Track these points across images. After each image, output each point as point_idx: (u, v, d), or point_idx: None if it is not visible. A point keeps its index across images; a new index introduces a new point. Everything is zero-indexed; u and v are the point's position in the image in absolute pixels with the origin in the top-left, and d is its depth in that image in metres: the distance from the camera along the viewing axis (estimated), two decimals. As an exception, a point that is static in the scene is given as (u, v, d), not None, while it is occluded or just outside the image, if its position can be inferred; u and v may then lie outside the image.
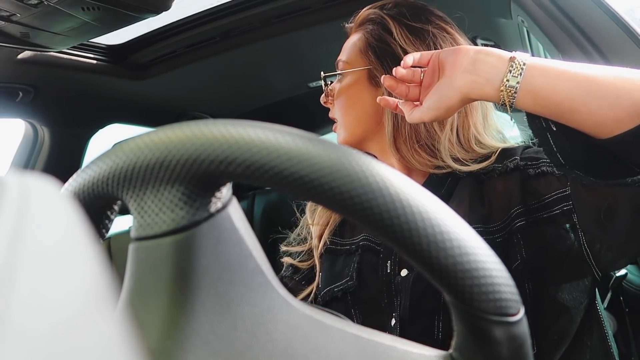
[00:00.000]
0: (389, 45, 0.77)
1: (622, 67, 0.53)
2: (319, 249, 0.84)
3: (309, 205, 0.93)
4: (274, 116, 1.79)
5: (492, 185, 0.72)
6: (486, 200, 0.72)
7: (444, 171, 0.76)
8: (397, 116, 0.77)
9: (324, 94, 0.86)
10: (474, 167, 0.74)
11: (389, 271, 0.73)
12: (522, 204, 0.68)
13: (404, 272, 0.72)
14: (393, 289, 0.72)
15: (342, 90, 0.82)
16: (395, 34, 0.77)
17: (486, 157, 0.75)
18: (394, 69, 0.63)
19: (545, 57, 1.73)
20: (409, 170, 0.80)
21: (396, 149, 0.78)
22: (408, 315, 0.69)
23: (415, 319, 0.69)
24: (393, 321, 0.70)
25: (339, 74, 0.83)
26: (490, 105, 0.80)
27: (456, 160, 0.75)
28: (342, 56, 0.83)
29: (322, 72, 0.86)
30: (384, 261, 0.74)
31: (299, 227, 0.93)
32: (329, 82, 0.87)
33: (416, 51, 0.73)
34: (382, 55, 0.78)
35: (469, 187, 0.74)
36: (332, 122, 0.86)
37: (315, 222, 0.87)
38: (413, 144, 0.76)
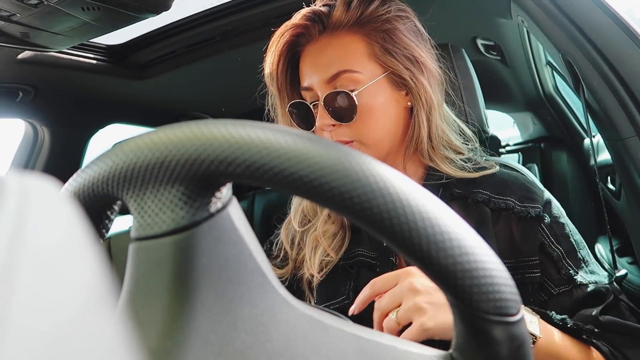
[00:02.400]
0: (398, 44, 0.73)
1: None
2: (308, 276, 0.79)
3: (284, 234, 0.86)
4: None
5: (506, 224, 0.73)
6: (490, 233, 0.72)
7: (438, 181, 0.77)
8: (431, 114, 0.74)
9: (324, 119, 0.71)
10: (470, 174, 0.76)
11: None
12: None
13: None
14: None
15: (368, 104, 0.71)
16: (401, 32, 0.74)
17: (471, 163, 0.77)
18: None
19: (545, 57, 1.72)
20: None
21: (428, 155, 0.76)
22: None
23: None
24: None
25: (349, 89, 0.71)
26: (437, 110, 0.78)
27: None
28: (347, 66, 0.71)
29: (320, 93, 0.72)
30: None
31: (276, 245, 0.87)
32: (313, 103, 0.75)
33: (417, 45, 0.74)
34: (398, 55, 0.73)
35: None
36: None
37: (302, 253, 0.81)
38: (443, 146, 0.77)
